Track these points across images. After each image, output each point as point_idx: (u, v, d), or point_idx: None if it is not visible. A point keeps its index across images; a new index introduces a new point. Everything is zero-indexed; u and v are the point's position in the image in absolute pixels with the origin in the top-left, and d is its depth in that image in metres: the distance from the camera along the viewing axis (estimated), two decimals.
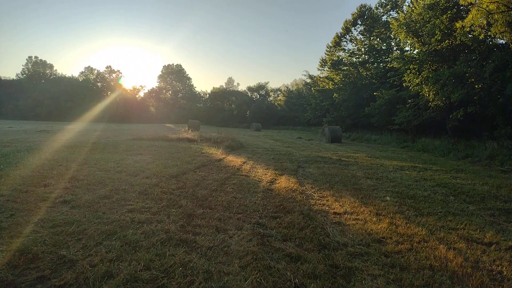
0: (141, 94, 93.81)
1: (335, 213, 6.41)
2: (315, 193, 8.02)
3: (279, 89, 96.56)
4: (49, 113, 74.39)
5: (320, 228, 5.37)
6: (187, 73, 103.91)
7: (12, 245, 3.78)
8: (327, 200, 7.35)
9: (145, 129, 38.65)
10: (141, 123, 70.87)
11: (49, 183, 7.27)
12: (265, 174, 10.37)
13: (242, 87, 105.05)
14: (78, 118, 62.58)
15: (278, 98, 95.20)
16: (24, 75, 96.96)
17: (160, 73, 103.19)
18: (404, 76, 26.99)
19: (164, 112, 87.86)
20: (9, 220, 4.64)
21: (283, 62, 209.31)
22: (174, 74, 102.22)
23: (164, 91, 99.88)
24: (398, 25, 27.28)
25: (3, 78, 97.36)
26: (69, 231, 4.43)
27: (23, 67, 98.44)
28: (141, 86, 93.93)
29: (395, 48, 42.40)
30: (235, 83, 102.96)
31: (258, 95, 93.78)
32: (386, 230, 5.50)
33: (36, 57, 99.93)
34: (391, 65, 32.79)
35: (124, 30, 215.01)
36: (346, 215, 6.26)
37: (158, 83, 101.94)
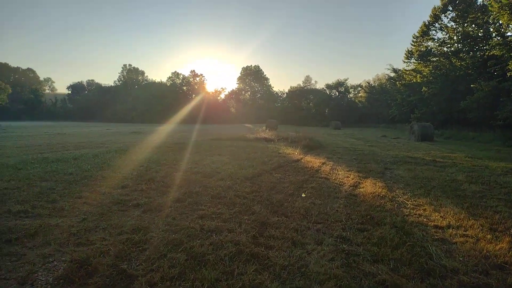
0: (222, 96, 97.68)
1: (436, 226, 5.28)
2: (408, 201, 6.87)
3: (359, 85, 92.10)
4: (142, 115, 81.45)
5: (420, 247, 4.36)
6: (264, 74, 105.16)
7: (75, 254, 3.60)
8: (424, 210, 6.18)
9: (225, 129, 39.72)
10: (222, 123, 73.54)
11: (127, 184, 7.37)
12: (347, 177, 9.40)
13: (320, 85, 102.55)
14: (167, 120, 67.25)
15: (359, 94, 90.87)
16: (121, 81, 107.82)
17: (239, 74, 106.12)
18: (509, 64, 23.23)
19: (243, 113, 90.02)
20: (80, 225, 4.58)
21: (363, 58, 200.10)
22: (252, 75, 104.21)
23: (243, 92, 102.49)
24: (499, 6, 23.59)
25: (103, 85, 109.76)
26: (135, 240, 4.17)
27: (119, 74, 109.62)
28: (222, 88, 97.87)
29: (494, 34, 36.98)
30: (312, 81, 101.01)
31: (337, 92, 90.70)
32: (508, 252, 4.26)
33: (130, 65, 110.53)
34: (490, 53, 28.63)
35: (206, 35, 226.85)
36: (450, 230, 5.10)
37: (237, 85, 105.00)
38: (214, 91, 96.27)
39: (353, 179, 9.12)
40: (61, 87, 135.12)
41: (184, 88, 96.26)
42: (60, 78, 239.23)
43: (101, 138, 23.50)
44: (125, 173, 8.72)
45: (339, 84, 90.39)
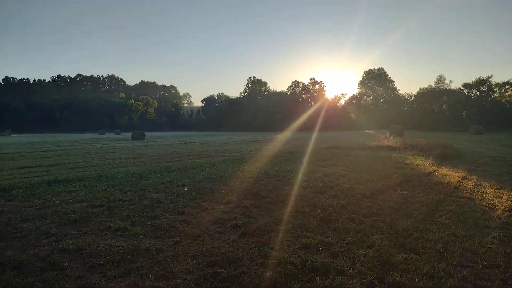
0: (342, 101, 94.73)
1: None
2: None
3: (507, 82, 77.13)
4: (263, 124, 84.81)
5: None
6: (389, 76, 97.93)
7: None
8: None
9: (343, 137, 37.82)
10: (341, 130, 70.93)
11: (231, 200, 6.98)
12: (499, 197, 7.26)
13: (455, 85, 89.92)
14: (286, 127, 68.33)
15: (507, 93, 76.18)
16: (246, 93, 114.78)
17: (361, 79, 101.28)
18: None
19: (364, 118, 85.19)
20: (170, 250, 4.20)
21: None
22: (376, 79, 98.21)
23: (364, 96, 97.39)
24: None
25: (231, 97, 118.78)
26: (221, 276, 3.52)
27: (245, 86, 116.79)
28: (342, 94, 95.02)
29: None
30: (446, 81, 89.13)
31: (477, 92, 77.95)
32: None
33: (254, 77, 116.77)
34: None
35: (327, 44, 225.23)
36: None
37: (358, 90, 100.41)
38: (333, 98, 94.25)
39: (508, 200, 6.97)
40: (197, 101, 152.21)
41: (304, 95, 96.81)
42: (196, 93, 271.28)
43: (223, 147, 24.78)
44: (233, 186, 8.43)
45: (481, 82, 77.46)
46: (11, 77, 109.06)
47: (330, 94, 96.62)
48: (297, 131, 63.65)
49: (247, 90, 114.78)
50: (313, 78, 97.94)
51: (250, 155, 17.06)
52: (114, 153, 20.30)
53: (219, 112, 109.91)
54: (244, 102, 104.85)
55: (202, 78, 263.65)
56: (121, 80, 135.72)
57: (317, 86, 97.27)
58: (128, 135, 49.48)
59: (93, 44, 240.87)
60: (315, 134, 43.95)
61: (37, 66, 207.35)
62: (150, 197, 7.23)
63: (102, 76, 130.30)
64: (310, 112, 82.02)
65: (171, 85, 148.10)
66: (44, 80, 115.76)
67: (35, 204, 6.57)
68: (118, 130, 75.77)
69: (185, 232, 4.88)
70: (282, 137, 40.62)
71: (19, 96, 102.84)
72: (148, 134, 56.59)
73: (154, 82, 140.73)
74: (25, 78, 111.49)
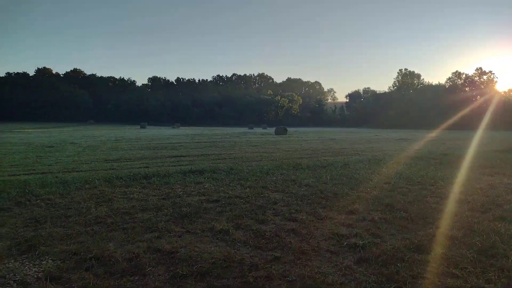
0: None
1: None
2: None
3: None
4: (414, 121, 76.51)
5: None
6: None
7: None
8: None
9: None
10: None
11: (356, 209, 5.82)
12: None
13: None
14: (441, 125, 59.77)
15: None
16: (395, 87, 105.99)
17: None
18: None
19: None
20: (266, 268, 3.46)
21: None
22: None
23: None
24: None
25: (378, 92, 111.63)
26: None
27: (394, 79, 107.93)
28: None
29: None
30: None
31: None
32: None
33: (405, 69, 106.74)
34: None
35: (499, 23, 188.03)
36: None
37: None
38: (507, 91, 77.65)
39: None
40: (341, 96, 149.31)
41: (466, 89, 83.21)
42: (340, 88, 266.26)
43: (364, 145, 22.98)
44: (362, 192, 7.19)
45: None
46: (181, 78, 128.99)
47: (502, 86, 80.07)
48: (455, 130, 54.96)
49: (397, 84, 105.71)
50: (480, 68, 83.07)
51: (392, 156, 15.03)
52: (256, 147, 21.11)
53: (364, 107, 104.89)
54: (393, 96, 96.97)
55: (347, 73, 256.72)
56: (270, 78, 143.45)
57: (484, 77, 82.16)
58: (272, 130, 51.70)
59: (248, 46, 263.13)
60: (479, 134, 36.83)
61: (200, 68, 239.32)
62: (267, 196, 6.77)
63: (253, 74, 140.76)
64: (473, 107, 69.64)
65: (315, 81, 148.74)
66: (206, 79, 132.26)
67: (161, 193, 6.90)
68: (265, 125, 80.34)
69: (290, 245, 4.12)
70: (435, 136, 35.48)
71: (187, 94, 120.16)
72: (290, 129, 58.02)
73: (299, 78, 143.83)
74: (192, 78, 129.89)
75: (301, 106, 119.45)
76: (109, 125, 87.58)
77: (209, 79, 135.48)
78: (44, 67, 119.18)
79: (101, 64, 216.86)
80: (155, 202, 6.10)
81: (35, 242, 4.05)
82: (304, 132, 50.62)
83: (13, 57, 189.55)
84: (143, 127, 67.35)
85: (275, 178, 8.74)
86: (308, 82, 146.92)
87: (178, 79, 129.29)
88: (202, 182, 8.14)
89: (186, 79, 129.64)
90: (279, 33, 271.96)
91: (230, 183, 8.05)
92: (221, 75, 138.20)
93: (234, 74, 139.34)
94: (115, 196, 6.53)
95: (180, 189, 7.27)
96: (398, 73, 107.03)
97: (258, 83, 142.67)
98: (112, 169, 10.77)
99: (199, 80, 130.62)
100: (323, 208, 5.87)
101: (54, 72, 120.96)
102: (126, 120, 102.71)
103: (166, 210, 5.58)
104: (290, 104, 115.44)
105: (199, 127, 78.49)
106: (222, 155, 15.42)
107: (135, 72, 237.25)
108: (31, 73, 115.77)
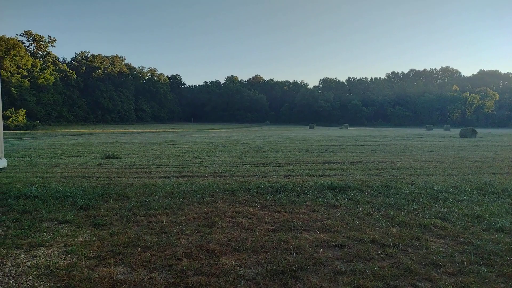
0: None
1: None
2: None
3: None
4: None
5: None
6: None
7: None
8: None
9: None
10: None
11: None
12: None
13: None
14: None
15: None
16: None
17: None
18: None
19: None
20: None
21: None
22: None
23: None
24: None
25: None
26: None
27: None
28: None
29: None
30: None
31: None
32: None
33: None
34: None
35: None
36: None
37: None
38: None
39: None
40: None
41: None
42: None
43: None
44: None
45: None
46: (352, 77, 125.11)
47: None
48: None
49: None
50: None
51: None
52: (431, 153, 17.38)
53: None
54: None
55: None
56: (456, 71, 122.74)
57: None
58: (457, 131, 43.43)
59: (427, 36, 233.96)
60: None
61: (373, 66, 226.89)
62: (425, 245, 4.37)
63: (435, 69, 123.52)
64: None
65: None
66: (379, 77, 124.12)
67: (276, 220, 5.46)
68: (447, 126, 69.18)
69: None
70: None
71: (357, 94, 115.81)
72: (481, 131, 47.64)
73: (496, 70, 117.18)
74: (363, 77, 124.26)
75: (497, 103, 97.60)
76: (281, 126, 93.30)
77: (382, 76, 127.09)
78: (232, 75, 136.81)
79: (277, 69, 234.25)
80: (258, 237, 4.72)
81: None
82: (501, 135, 40.31)
83: (210, 68, 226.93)
84: (311, 127, 68.50)
85: (446, 209, 6.06)
86: (508, 74, 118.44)
87: (349, 79, 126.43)
88: (336, 206, 6.32)
89: (358, 78, 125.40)
90: (470, 24, 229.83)
91: (374, 212, 5.95)
92: (396, 71, 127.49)
93: (411, 70, 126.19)
94: (223, 218, 5.54)
95: (303, 215, 5.70)
96: None
97: (440, 78, 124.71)
98: (254, 175, 10.12)
99: (371, 79, 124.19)
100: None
101: (239, 79, 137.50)
102: (297, 121, 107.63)
103: (262, 255, 4.08)
104: (482, 101, 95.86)
105: (369, 128, 74.16)
106: (383, 164, 12.90)
107: (307, 75, 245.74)
108: (222, 80, 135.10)
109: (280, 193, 7.18)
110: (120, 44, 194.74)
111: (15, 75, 66.12)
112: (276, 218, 5.55)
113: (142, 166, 12.67)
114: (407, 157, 15.44)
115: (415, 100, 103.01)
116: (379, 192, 7.37)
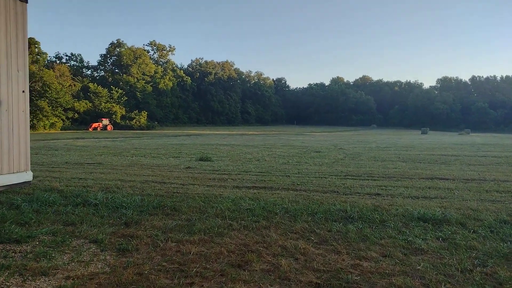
0: None
1: None
2: None
3: None
4: None
5: None
6: None
7: None
8: None
9: None
10: None
11: None
12: None
13: None
14: None
15: None
16: None
17: None
18: None
19: None
20: None
21: None
22: None
23: None
24: None
25: None
26: None
27: None
28: None
29: None
30: None
31: None
32: None
33: None
34: None
35: None
36: None
37: None
38: None
39: None
40: None
41: None
42: None
43: None
44: None
45: None
46: (477, 76, 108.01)
47: None
48: None
49: None
50: None
51: None
52: None
53: None
54: None
55: None
56: None
57: None
58: None
59: None
60: None
61: (503, 63, 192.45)
62: None
63: None
64: None
65: None
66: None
67: (326, 269, 3.91)
68: None
69: None
70: None
71: (483, 94, 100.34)
72: None
73: None
74: (492, 75, 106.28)
75: None
76: (389, 130, 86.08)
77: None
78: (337, 76, 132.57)
79: (387, 69, 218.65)
80: None
81: None
82: None
83: (315, 70, 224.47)
84: (424, 132, 61.47)
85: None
86: None
87: (472, 78, 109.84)
88: (421, 251, 4.49)
89: (484, 77, 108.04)
90: None
91: (475, 267, 3.97)
92: None
93: None
94: (261, 256, 4.27)
95: (368, 263, 4.08)
96: None
97: None
98: (334, 192, 8.64)
99: (501, 77, 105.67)
100: None
101: (345, 80, 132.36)
102: (408, 124, 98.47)
103: None
104: None
105: (496, 134, 62.92)
106: (507, 184, 9.86)
107: (422, 74, 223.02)
108: (327, 82, 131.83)
109: (351, 222, 5.62)
110: (230, 50, 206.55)
111: (140, 81, 75.69)
112: (331, 263, 4.03)
113: (224, 172, 12.26)
114: None
115: None
116: (491, 231, 5.24)
